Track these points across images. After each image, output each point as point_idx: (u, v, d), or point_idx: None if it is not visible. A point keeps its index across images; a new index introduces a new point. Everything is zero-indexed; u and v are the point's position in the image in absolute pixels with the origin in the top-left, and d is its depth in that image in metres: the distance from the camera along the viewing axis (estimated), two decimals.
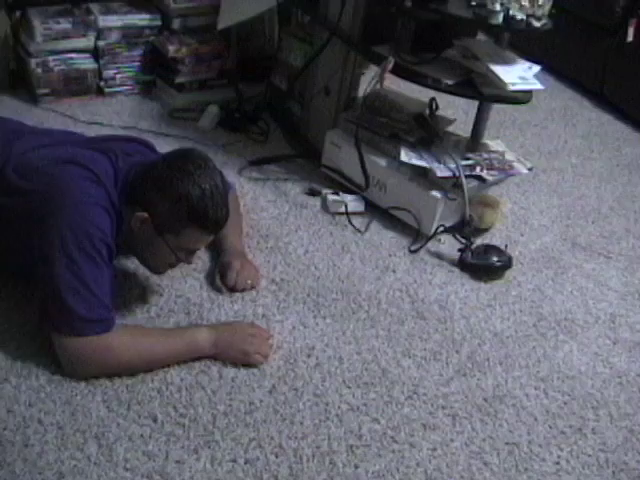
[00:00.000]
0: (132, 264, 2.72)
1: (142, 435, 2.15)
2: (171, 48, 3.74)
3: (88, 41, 3.71)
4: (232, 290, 2.70)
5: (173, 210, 2.30)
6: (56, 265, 2.18)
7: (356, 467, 2.17)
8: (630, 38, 4.41)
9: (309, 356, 2.50)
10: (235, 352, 2.42)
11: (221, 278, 2.73)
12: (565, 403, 2.55)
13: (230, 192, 2.69)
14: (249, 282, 2.73)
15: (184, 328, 2.49)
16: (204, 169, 2.34)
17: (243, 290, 2.71)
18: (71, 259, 2.18)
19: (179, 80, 3.80)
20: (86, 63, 3.75)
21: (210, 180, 2.33)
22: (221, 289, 2.72)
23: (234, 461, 2.12)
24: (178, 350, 2.37)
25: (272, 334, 2.55)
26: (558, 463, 2.34)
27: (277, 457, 2.16)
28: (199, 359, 2.40)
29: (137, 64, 3.86)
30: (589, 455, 2.39)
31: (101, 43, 3.74)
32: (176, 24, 3.83)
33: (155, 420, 2.19)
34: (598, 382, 2.67)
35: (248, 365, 2.42)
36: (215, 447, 2.14)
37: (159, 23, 3.84)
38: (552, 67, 4.91)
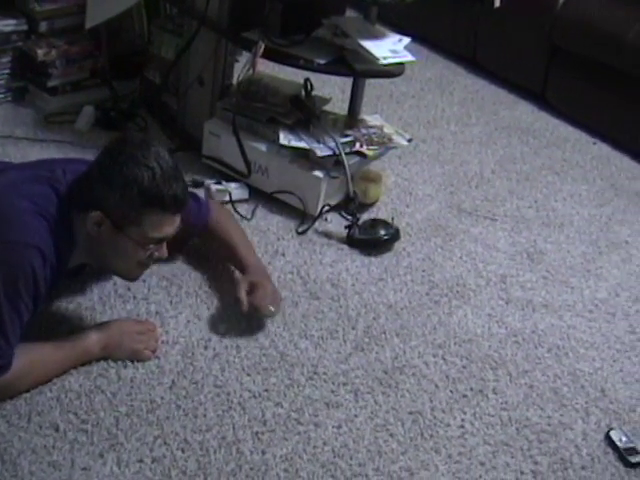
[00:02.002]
0: None
1: (45, 446, 2.11)
2: (40, 52, 3.66)
3: None
4: (255, 308, 2.57)
5: (125, 198, 2.17)
6: None
7: (263, 453, 2.18)
8: (497, 4, 4.46)
9: (206, 348, 2.49)
10: (125, 352, 2.40)
11: (248, 293, 2.57)
12: (464, 367, 2.59)
13: (211, 213, 2.73)
14: (271, 308, 2.60)
15: (73, 338, 2.37)
16: (146, 148, 2.22)
17: (262, 315, 2.60)
18: None
19: (51, 83, 3.72)
20: None
21: (156, 157, 2.21)
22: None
23: (141, 461, 2.11)
24: (70, 361, 2.33)
25: (156, 325, 2.53)
26: (462, 426, 2.38)
27: (184, 452, 2.15)
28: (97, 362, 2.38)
29: (7, 71, 3.77)
30: (492, 415, 2.44)
31: None
32: (43, 27, 3.75)
33: (57, 429, 2.16)
34: (494, 343, 2.72)
35: (141, 361, 2.41)
36: (120, 449, 2.12)
37: (25, 27, 3.74)
38: (424, 38, 4.94)
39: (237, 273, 2.75)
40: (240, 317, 2.62)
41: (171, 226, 2.29)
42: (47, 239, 2.15)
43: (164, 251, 2.36)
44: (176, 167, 2.26)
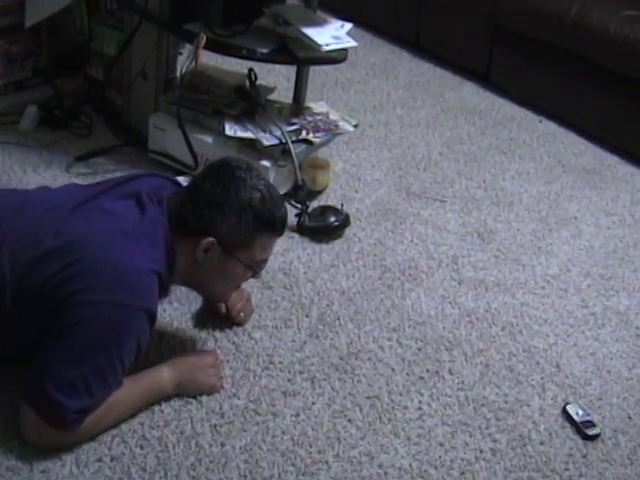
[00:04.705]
0: None
1: (3, 451, 2.08)
2: None
3: None
4: (227, 309, 2.56)
5: (241, 222, 2.18)
6: (74, 361, 2.01)
7: (222, 445, 2.18)
8: None
9: (160, 343, 2.48)
10: (199, 388, 2.33)
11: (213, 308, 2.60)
12: (419, 349, 2.61)
13: None
14: (242, 316, 2.58)
15: (145, 375, 2.25)
16: (251, 171, 2.24)
17: (232, 318, 2.57)
18: (92, 362, 2.01)
19: None
20: None
21: (262, 180, 2.24)
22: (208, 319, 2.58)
23: (100, 460, 2.09)
24: (143, 400, 2.24)
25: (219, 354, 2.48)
26: (420, 408, 2.40)
27: (142, 449, 2.14)
28: None
29: None
30: (449, 396, 2.46)
31: None
32: None
33: (14, 434, 2.11)
34: (449, 324, 2.73)
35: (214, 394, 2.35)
36: (78, 450, 2.10)
37: None
38: (367, 23, 4.95)
39: None
40: (193, 311, 2.62)
41: (273, 248, 2.34)
42: (156, 298, 2.13)
43: (261, 272, 2.40)
44: (276, 188, 2.29)
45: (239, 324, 2.59)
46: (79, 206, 2.18)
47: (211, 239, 2.17)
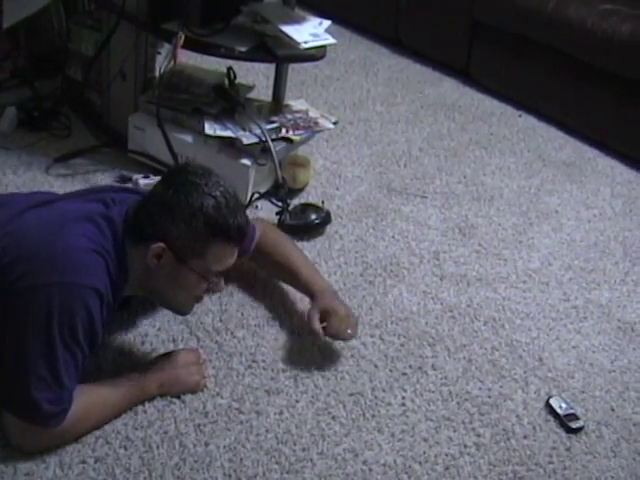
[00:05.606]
0: None
1: None
2: None
3: None
4: (332, 337, 2.52)
5: (191, 229, 2.10)
6: (31, 350, 1.98)
7: (207, 445, 2.18)
8: None
9: (143, 343, 2.47)
10: (183, 387, 2.32)
11: (321, 321, 2.49)
12: (402, 345, 2.61)
13: (262, 233, 2.64)
14: (349, 332, 2.52)
15: (129, 379, 2.25)
16: (208, 177, 2.15)
17: (343, 339, 2.54)
18: (49, 348, 1.98)
19: None
20: None
21: (219, 186, 2.14)
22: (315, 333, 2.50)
23: (84, 462, 2.09)
24: (127, 403, 2.24)
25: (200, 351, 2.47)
26: (404, 404, 2.40)
27: (126, 450, 2.13)
28: None
29: None
30: (432, 391, 2.46)
31: None
32: None
33: None
34: (431, 319, 2.74)
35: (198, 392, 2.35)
36: (62, 452, 2.10)
37: None
38: (346, 20, 4.96)
39: (306, 300, 2.64)
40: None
41: (232, 258, 2.24)
42: (104, 278, 2.08)
43: (222, 285, 2.31)
44: (237, 196, 2.20)
45: (347, 340, 2.55)
46: (31, 208, 2.19)
47: (161, 244, 2.11)
